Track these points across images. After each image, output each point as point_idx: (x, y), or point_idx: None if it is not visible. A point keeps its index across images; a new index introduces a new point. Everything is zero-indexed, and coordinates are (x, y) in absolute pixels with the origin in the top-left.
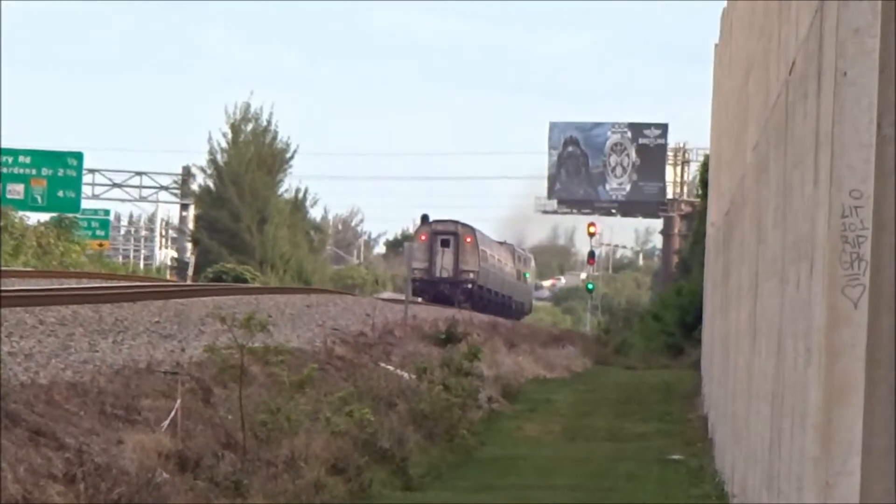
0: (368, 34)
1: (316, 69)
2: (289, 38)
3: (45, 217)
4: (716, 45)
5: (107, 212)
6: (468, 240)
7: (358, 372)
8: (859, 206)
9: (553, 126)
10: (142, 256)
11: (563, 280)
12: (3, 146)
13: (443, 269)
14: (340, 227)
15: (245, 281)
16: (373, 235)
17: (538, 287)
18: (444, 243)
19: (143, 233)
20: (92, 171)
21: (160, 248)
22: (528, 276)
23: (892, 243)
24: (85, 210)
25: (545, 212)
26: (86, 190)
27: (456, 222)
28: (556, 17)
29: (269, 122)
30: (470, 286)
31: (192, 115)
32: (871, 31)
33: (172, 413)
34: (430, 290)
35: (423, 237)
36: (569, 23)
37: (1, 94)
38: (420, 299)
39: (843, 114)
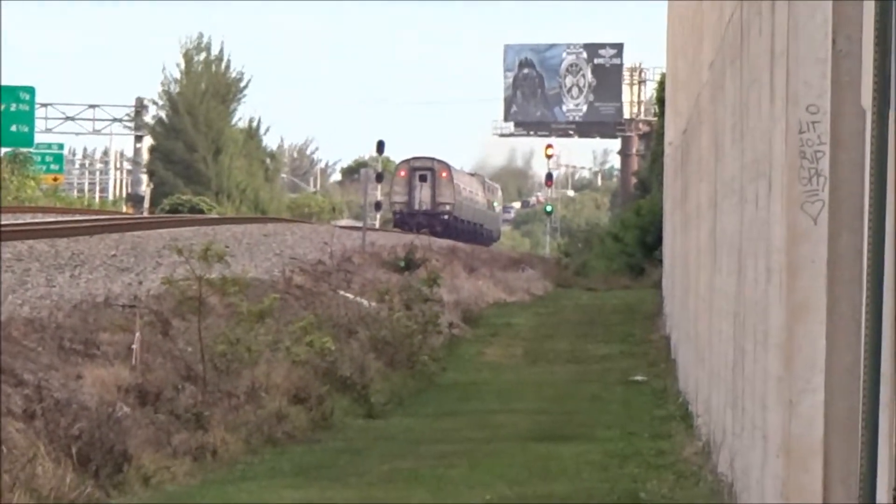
0: None
1: None
2: None
3: None
4: None
5: (61, 146)
6: (444, 175)
7: (317, 300)
8: (816, 122)
9: (508, 49)
10: (97, 190)
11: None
12: None
13: (421, 202)
14: (296, 155)
15: (201, 212)
16: (329, 163)
17: (507, 210)
18: (422, 178)
19: (98, 166)
20: (44, 104)
21: (115, 181)
22: (496, 205)
23: (851, 158)
24: (38, 144)
25: (502, 135)
26: (39, 124)
27: (432, 159)
28: None
29: (221, 52)
30: (446, 217)
31: (146, 45)
32: None
33: (137, 347)
34: (411, 221)
35: (402, 173)
36: None
37: None
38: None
39: (797, 29)
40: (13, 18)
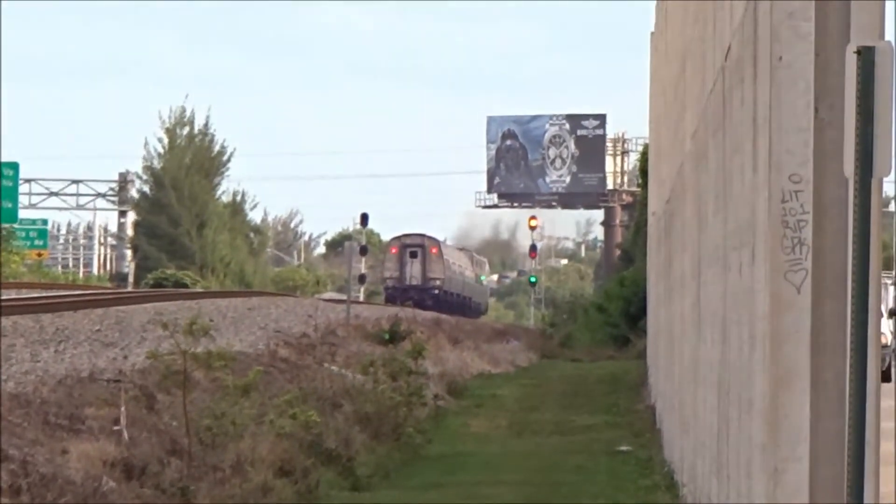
0: (306, 33)
1: (254, 70)
2: (224, 40)
3: None
4: (652, 34)
5: (45, 221)
6: (434, 251)
7: (302, 373)
8: (799, 191)
9: (491, 120)
10: (81, 265)
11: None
12: None
13: (412, 277)
14: (280, 228)
15: (185, 286)
16: (313, 236)
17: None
18: (413, 255)
19: (82, 241)
20: (28, 180)
21: (99, 256)
22: (483, 278)
23: (834, 227)
24: (23, 220)
25: (485, 206)
26: (22, 199)
27: (422, 235)
28: (491, 13)
29: (206, 126)
30: (436, 291)
31: (128, 120)
32: (806, 14)
33: (124, 420)
34: (402, 295)
35: (393, 250)
36: (504, 18)
37: None
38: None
39: (779, 98)
40: None
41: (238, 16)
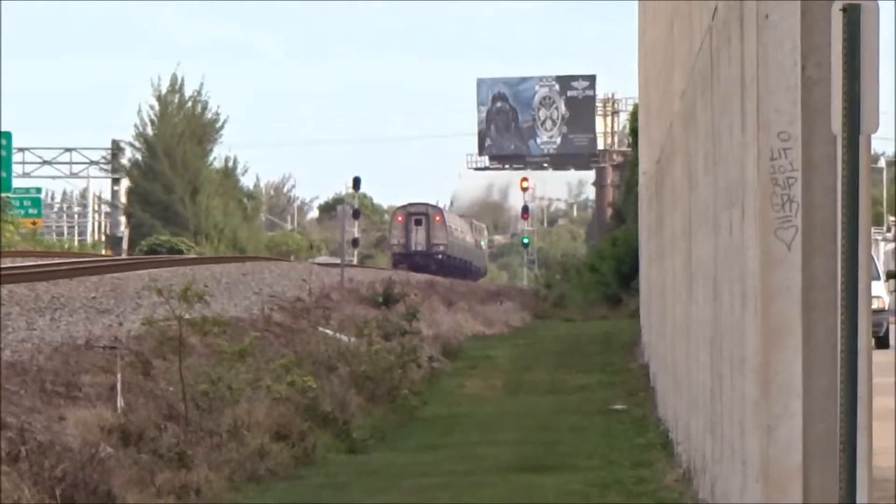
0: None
1: (247, 38)
2: (217, 9)
3: None
4: None
5: (38, 190)
6: (437, 219)
7: (297, 337)
8: (788, 148)
9: (481, 82)
10: (76, 233)
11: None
12: None
13: (417, 243)
14: (273, 193)
15: (180, 252)
16: (306, 200)
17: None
18: (417, 222)
19: (76, 209)
20: (21, 149)
21: (93, 223)
22: (483, 243)
23: (823, 184)
24: (16, 189)
25: (477, 168)
26: (16, 168)
27: (426, 205)
28: None
29: (198, 93)
30: (440, 256)
31: (121, 89)
32: None
33: (120, 386)
34: (407, 261)
35: (399, 218)
36: None
37: None
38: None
39: (766, 57)
40: None
41: None
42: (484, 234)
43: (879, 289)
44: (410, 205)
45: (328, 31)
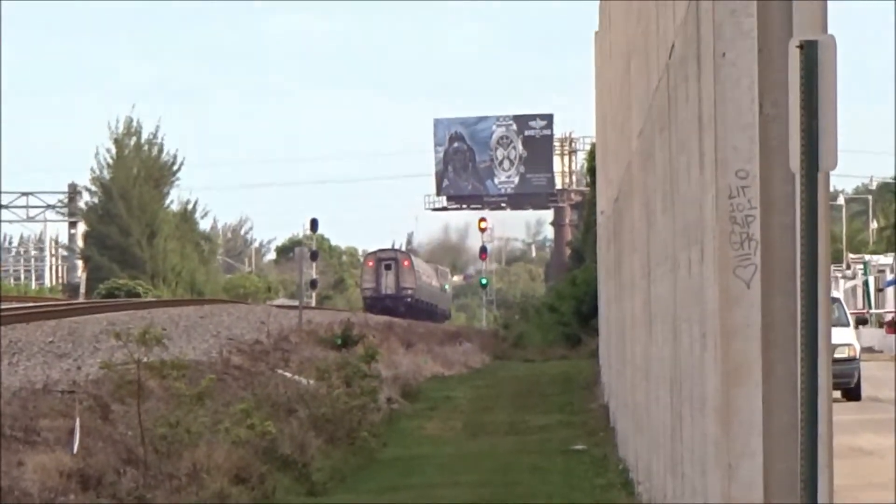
0: (253, 41)
1: (203, 80)
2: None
3: None
4: (596, 34)
5: None
6: (406, 263)
7: (256, 380)
8: (746, 186)
9: (438, 123)
10: (33, 277)
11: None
12: None
13: (387, 287)
14: (230, 235)
15: (138, 295)
16: (263, 242)
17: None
18: (387, 267)
19: (33, 253)
20: None
21: (51, 267)
22: (447, 287)
23: (781, 222)
24: None
25: (435, 209)
26: None
27: (396, 250)
28: (435, 15)
29: (154, 136)
30: (409, 300)
31: (79, 132)
32: (748, 10)
33: (78, 431)
34: (378, 304)
35: (370, 263)
36: (449, 20)
37: None
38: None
39: (724, 95)
40: None
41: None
42: (448, 278)
43: (849, 336)
44: (380, 250)
45: (281, 72)
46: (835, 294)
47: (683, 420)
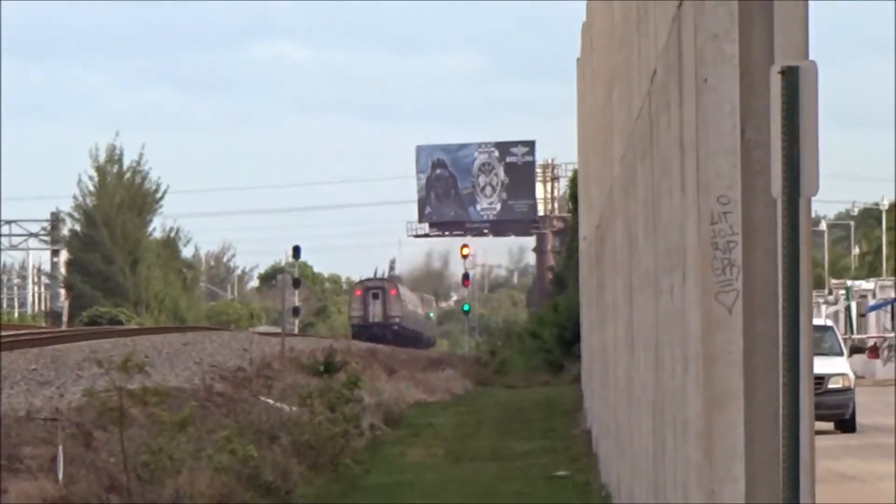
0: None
1: (185, 108)
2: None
3: None
4: (578, 60)
5: None
6: (392, 292)
7: (238, 407)
8: (728, 212)
9: (420, 150)
10: (16, 305)
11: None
12: None
13: (374, 315)
14: (213, 262)
15: (120, 323)
16: (246, 269)
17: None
18: (375, 296)
19: (16, 281)
20: None
21: (33, 295)
22: (431, 314)
23: (763, 247)
24: None
25: (417, 236)
26: None
27: (383, 279)
28: (417, 43)
29: (138, 163)
30: (396, 327)
31: (60, 160)
32: (730, 35)
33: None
34: (366, 332)
35: (358, 292)
36: (432, 48)
37: None
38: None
39: (706, 120)
40: None
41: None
42: (433, 306)
43: (843, 365)
44: (368, 279)
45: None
46: (828, 323)
47: (666, 444)
